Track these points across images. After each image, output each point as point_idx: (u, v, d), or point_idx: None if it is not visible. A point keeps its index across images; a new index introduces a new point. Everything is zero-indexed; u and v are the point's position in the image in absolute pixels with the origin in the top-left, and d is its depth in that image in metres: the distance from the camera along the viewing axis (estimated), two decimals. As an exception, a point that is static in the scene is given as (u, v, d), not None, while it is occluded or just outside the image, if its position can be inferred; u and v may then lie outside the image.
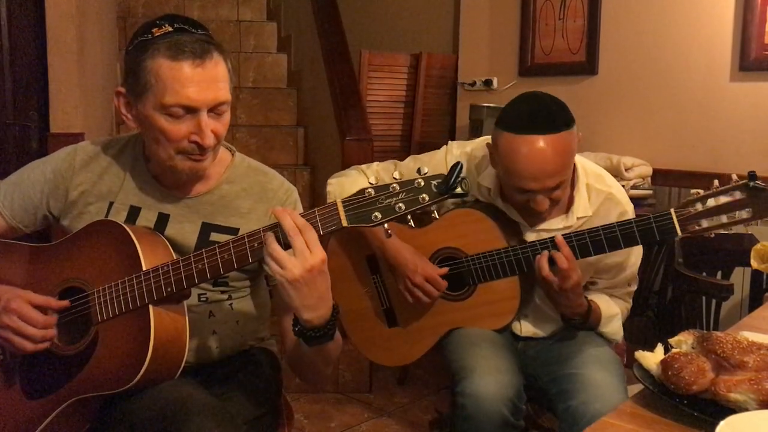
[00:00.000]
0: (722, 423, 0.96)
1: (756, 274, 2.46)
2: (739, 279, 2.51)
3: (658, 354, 1.18)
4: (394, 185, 1.17)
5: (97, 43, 3.18)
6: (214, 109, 1.35)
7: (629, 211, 1.81)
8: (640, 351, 1.19)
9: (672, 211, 1.56)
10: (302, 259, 1.19)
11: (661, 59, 3.14)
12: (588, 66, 3.35)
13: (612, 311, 1.84)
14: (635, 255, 1.85)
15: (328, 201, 2.04)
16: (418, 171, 1.17)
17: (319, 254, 1.20)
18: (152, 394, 1.28)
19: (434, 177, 1.16)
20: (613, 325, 1.85)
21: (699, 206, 1.53)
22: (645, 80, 3.20)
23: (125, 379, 1.27)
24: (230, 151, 1.54)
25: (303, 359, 1.41)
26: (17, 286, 1.41)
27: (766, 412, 1.00)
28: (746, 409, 1.03)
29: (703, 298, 2.21)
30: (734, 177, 1.51)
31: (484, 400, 1.63)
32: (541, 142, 1.61)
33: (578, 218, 1.79)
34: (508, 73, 3.66)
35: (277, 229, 1.22)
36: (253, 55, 4.41)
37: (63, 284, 1.40)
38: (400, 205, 1.16)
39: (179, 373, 1.34)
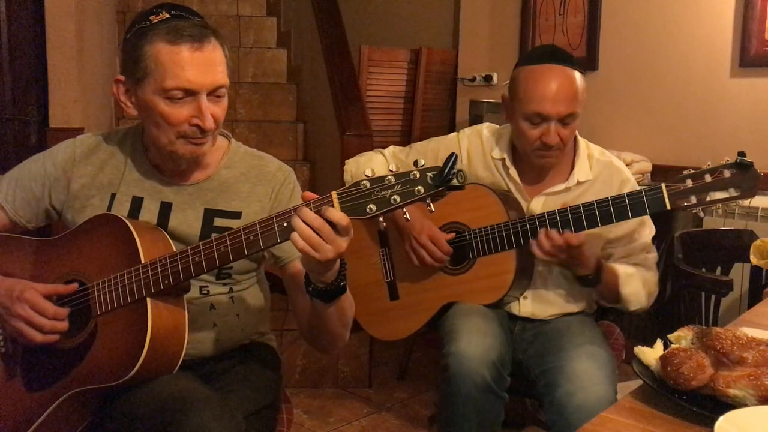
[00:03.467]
0: (721, 418, 0.97)
1: (755, 270, 2.46)
2: (739, 275, 2.51)
3: (657, 350, 1.18)
4: (390, 177, 1.17)
5: (97, 39, 3.17)
6: (213, 93, 1.37)
7: (631, 179, 1.91)
8: (640, 346, 1.20)
9: (663, 185, 1.64)
10: (336, 246, 1.20)
11: (661, 55, 3.13)
12: (588, 62, 3.34)
13: (628, 270, 1.87)
14: (648, 228, 1.91)
15: (345, 179, 2.11)
16: (415, 163, 1.18)
17: (346, 239, 1.21)
18: (152, 388, 1.28)
19: (430, 169, 1.16)
20: (634, 285, 1.86)
21: (689, 182, 1.60)
22: (645, 76, 3.19)
23: (122, 371, 1.27)
24: (227, 137, 1.56)
25: (322, 323, 1.41)
26: (20, 279, 1.42)
27: (766, 408, 1.01)
28: (745, 405, 1.03)
29: (703, 294, 2.22)
30: (726, 158, 1.57)
31: (467, 360, 1.70)
32: (558, 70, 1.78)
33: (579, 182, 1.88)
34: (508, 69, 3.61)
35: (300, 208, 1.20)
36: (252, 50, 4.40)
37: (63, 278, 1.41)
38: (395, 197, 1.16)
39: (178, 366, 1.34)
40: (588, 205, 1.72)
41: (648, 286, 1.90)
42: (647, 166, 3.01)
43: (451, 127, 3.91)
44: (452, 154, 1.16)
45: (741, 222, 2.73)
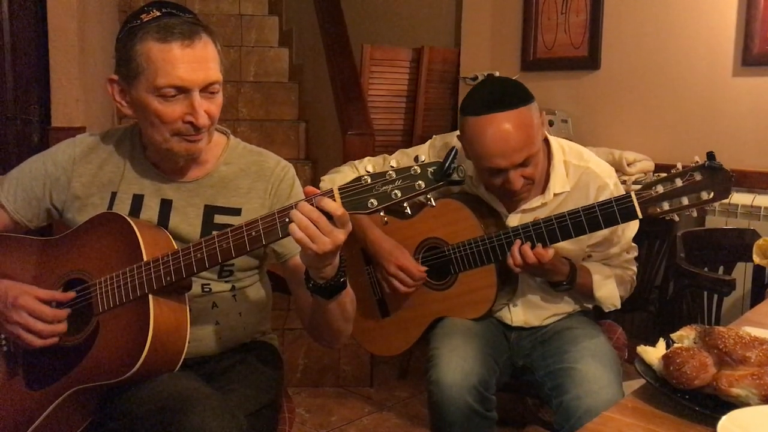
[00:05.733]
0: (724, 418, 0.97)
1: (758, 270, 2.46)
2: (741, 274, 2.51)
3: (659, 349, 1.18)
4: (390, 173, 1.17)
5: (98, 37, 3.17)
6: (206, 89, 1.37)
7: (609, 184, 1.84)
8: (642, 346, 1.19)
9: (632, 194, 1.59)
10: (333, 238, 1.20)
11: (663, 54, 3.13)
12: (590, 61, 3.34)
13: (604, 273, 1.85)
14: (630, 229, 1.87)
15: None
16: (416, 159, 1.18)
17: (344, 231, 1.21)
18: (152, 386, 1.28)
19: (430, 164, 1.16)
20: (608, 288, 1.85)
21: (660, 188, 1.55)
22: (647, 75, 3.19)
23: (124, 369, 1.27)
24: (225, 134, 1.56)
25: (324, 319, 1.42)
26: (22, 279, 1.42)
27: (768, 407, 1.00)
28: (748, 404, 1.03)
29: (705, 293, 2.21)
30: (696, 158, 1.52)
31: (448, 387, 1.68)
32: (501, 119, 1.67)
33: (555, 194, 1.83)
34: (510, 68, 3.65)
35: (300, 202, 1.22)
36: (254, 49, 4.41)
37: (66, 276, 1.41)
38: (396, 192, 1.17)
39: (179, 365, 1.34)
40: (560, 217, 1.69)
41: (624, 285, 1.89)
42: (649, 165, 3.01)
43: (453, 126, 3.91)
44: (452, 148, 1.17)
45: (743, 221, 2.73)
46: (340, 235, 1.21)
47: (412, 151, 2.02)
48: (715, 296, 2.20)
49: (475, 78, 3.79)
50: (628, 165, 2.93)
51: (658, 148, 3.11)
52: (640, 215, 1.58)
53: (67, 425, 1.37)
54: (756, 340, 1.12)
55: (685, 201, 1.52)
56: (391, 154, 2.11)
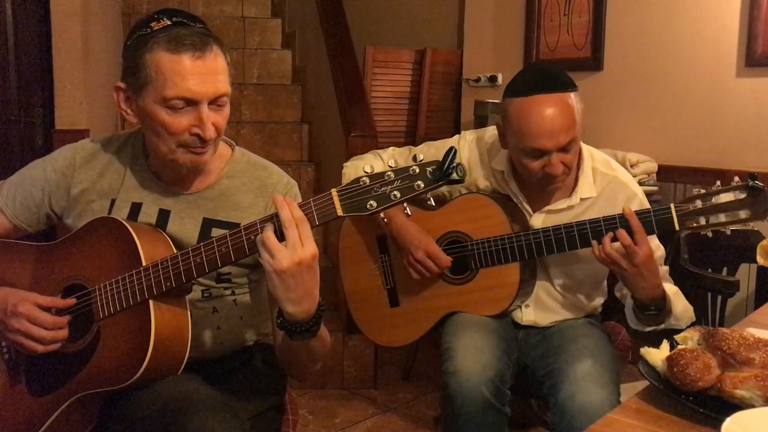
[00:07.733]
0: (728, 420, 0.96)
1: (762, 271, 2.45)
2: (745, 275, 2.50)
3: (663, 350, 1.18)
4: (389, 173, 1.16)
5: (102, 40, 3.18)
6: (215, 102, 1.35)
7: (638, 193, 1.84)
8: (646, 347, 1.19)
9: (672, 206, 1.60)
10: (292, 252, 1.18)
11: (666, 55, 3.12)
12: (593, 62, 3.34)
13: (672, 289, 1.79)
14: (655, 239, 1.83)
15: (342, 183, 2.10)
16: (414, 158, 1.17)
17: (309, 249, 1.19)
18: (154, 389, 1.28)
19: (429, 164, 1.15)
20: (682, 302, 1.78)
21: (699, 203, 1.57)
22: (650, 76, 3.18)
23: (127, 375, 1.27)
24: (230, 145, 1.54)
25: (289, 353, 1.40)
26: (20, 285, 1.41)
27: (773, 409, 1.00)
28: (752, 406, 1.03)
29: (709, 294, 2.21)
30: (736, 178, 1.54)
31: (464, 379, 1.68)
32: (549, 100, 1.69)
33: (582, 199, 1.83)
34: (513, 69, 3.61)
35: (275, 219, 1.21)
36: (257, 51, 4.42)
37: (65, 282, 1.40)
38: (396, 193, 1.16)
39: (182, 369, 1.34)
40: (595, 222, 1.68)
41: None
42: (653, 166, 3.00)
43: (456, 128, 3.91)
44: (451, 148, 1.16)
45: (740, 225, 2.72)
46: (294, 255, 1.17)
47: (440, 144, 2.02)
48: (719, 297, 2.20)
49: (478, 80, 3.79)
50: (631, 166, 2.92)
51: (662, 149, 3.11)
52: (677, 227, 1.59)
53: (70, 430, 1.37)
54: (760, 341, 1.11)
55: (722, 218, 1.55)
56: (406, 146, 2.12)
